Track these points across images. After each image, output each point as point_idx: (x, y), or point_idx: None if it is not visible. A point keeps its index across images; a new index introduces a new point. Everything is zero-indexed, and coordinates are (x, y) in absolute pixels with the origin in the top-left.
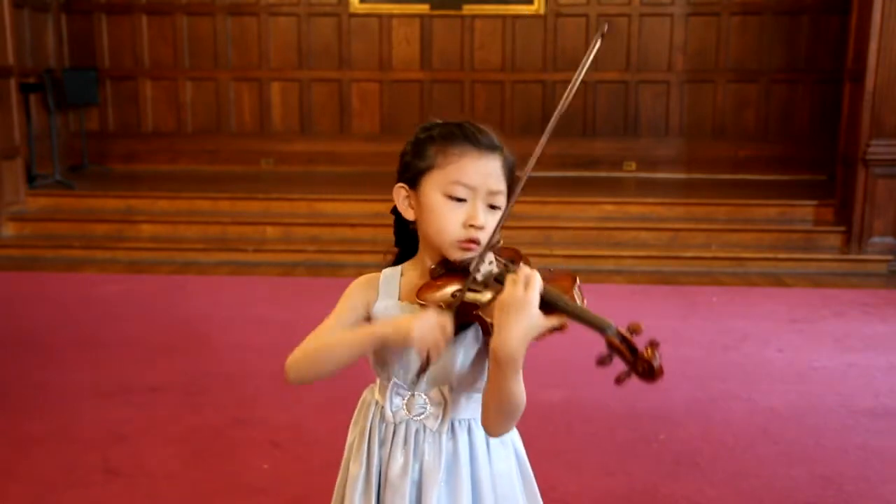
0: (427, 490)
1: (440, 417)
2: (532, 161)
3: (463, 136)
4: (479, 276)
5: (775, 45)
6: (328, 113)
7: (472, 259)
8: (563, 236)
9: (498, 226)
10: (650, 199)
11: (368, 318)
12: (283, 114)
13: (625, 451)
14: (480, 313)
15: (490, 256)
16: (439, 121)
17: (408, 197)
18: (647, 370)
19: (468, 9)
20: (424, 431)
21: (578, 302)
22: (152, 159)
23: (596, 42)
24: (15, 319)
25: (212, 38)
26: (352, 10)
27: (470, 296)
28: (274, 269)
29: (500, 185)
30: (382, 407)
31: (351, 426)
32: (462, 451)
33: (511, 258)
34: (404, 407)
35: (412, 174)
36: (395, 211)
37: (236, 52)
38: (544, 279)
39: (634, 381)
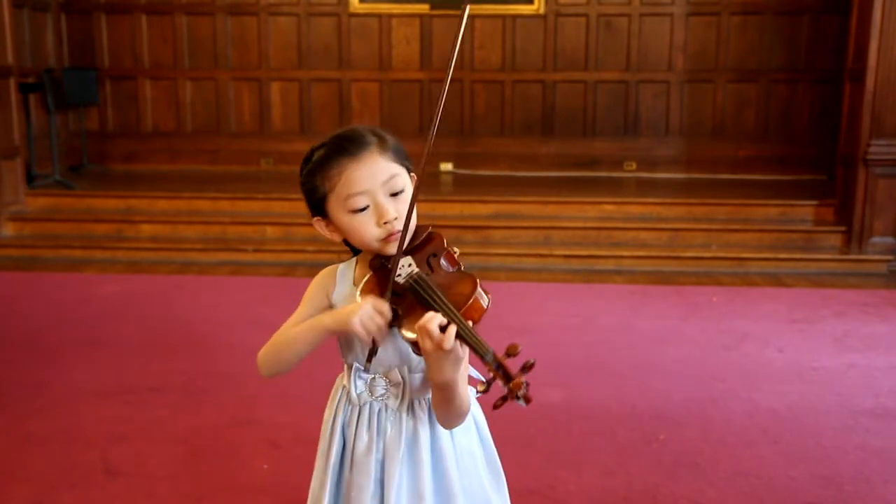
0: (389, 466)
1: (400, 397)
2: (423, 160)
3: (334, 152)
4: (400, 280)
5: (775, 45)
6: (328, 113)
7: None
8: (563, 236)
9: (410, 211)
10: (650, 199)
11: (331, 307)
12: (282, 114)
13: (625, 451)
14: (398, 327)
15: (409, 259)
16: (316, 144)
17: (326, 225)
18: (518, 398)
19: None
20: (386, 411)
21: (484, 303)
22: (152, 159)
23: (463, 17)
24: (15, 319)
25: (212, 38)
26: (352, 9)
27: (393, 299)
28: (274, 269)
29: (389, 171)
30: (348, 390)
31: (325, 409)
32: (422, 429)
33: (432, 252)
34: (367, 389)
35: (316, 206)
36: None
37: (236, 52)
38: (446, 284)
39: (633, 381)
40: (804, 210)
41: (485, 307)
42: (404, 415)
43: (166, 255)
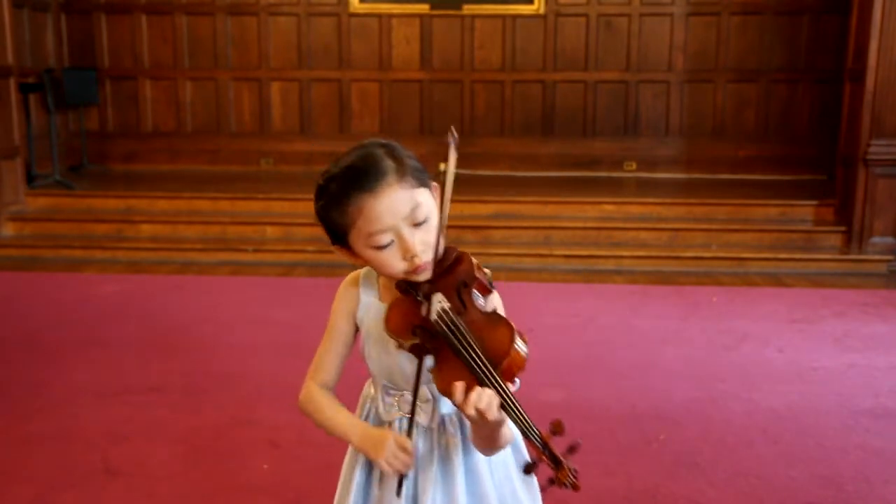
0: (422, 484)
1: (430, 413)
2: (445, 213)
3: (352, 188)
4: (431, 318)
5: (775, 45)
6: (328, 113)
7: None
8: (563, 236)
9: (438, 235)
10: (650, 199)
11: (357, 329)
12: (282, 114)
13: (625, 451)
14: (430, 370)
15: (439, 296)
16: (329, 173)
17: (349, 254)
18: (567, 486)
19: (468, 8)
20: (417, 427)
21: (523, 352)
22: (152, 159)
23: (451, 152)
24: (15, 319)
25: (212, 38)
26: (352, 9)
27: (423, 335)
28: (274, 269)
29: (411, 201)
30: (377, 406)
31: None
32: (453, 445)
33: (462, 280)
34: (396, 405)
35: (337, 239)
36: None
37: (236, 52)
38: (481, 326)
39: (633, 381)
40: (804, 210)
41: (524, 357)
42: (436, 432)
43: (166, 255)
